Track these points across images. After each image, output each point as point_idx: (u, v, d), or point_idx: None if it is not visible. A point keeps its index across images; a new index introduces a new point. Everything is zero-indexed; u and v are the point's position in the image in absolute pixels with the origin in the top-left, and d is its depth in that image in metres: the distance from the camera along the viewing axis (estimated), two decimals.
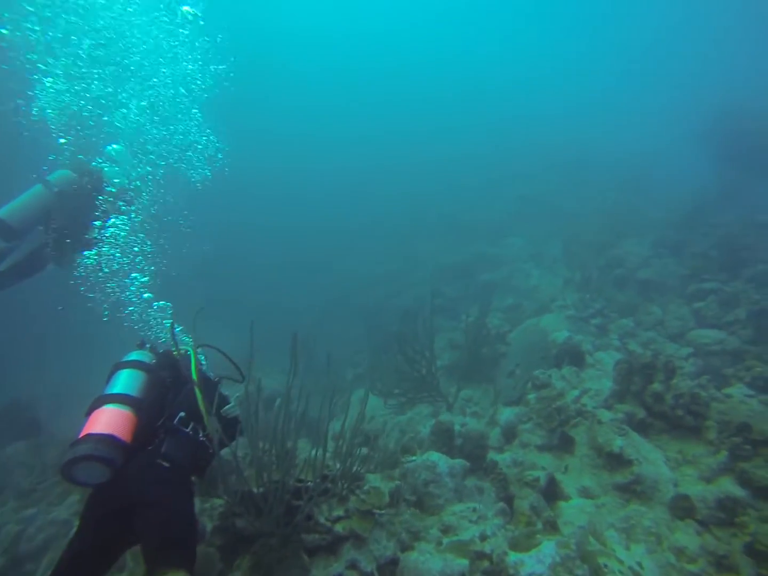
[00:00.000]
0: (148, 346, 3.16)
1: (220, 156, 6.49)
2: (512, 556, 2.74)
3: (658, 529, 3.31)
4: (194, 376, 2.79)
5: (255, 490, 2.99)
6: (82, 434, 2.24)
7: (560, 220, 14.76)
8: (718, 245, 9.34)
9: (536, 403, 4.96)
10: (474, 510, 3.52)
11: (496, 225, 15.57)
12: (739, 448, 3.76)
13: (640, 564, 3.07)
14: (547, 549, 2.70)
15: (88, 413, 2.38)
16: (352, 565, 2.98)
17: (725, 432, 3.96)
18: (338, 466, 3.37)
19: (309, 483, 3.08)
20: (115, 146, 5.45)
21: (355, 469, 3.39)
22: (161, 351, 3.20)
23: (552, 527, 3.32)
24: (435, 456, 3.94)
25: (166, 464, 2.37)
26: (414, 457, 4.08)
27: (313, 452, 3.17)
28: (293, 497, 3.10)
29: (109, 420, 2.32)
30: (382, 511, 3.22)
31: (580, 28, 39.85)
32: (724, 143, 13.99)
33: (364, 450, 5.30)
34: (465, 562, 2.93)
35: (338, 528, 3.07)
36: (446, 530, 3.41)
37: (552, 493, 4.10)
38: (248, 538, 3.34)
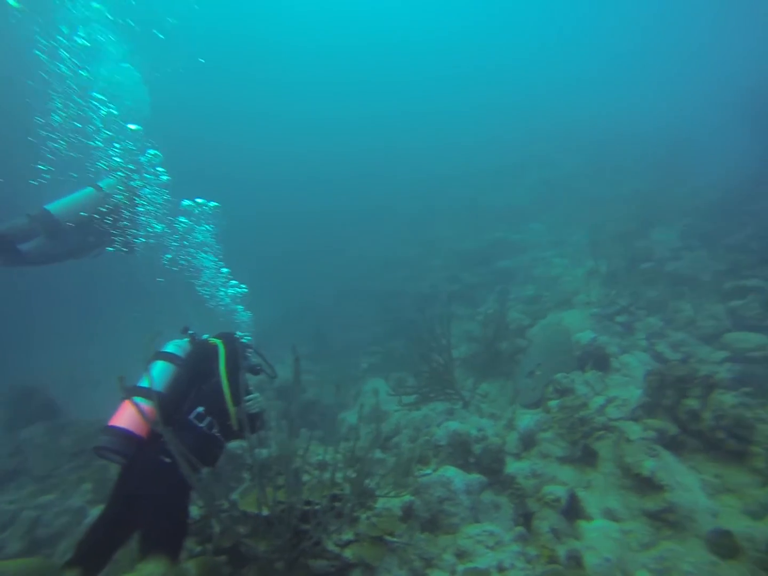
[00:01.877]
0: (190, 332, 3.33)
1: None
2: None
3: (700, 574, 3.03)
4: (222, 370, 2.97)
5: (260, 512, 2.82)
6: (109, 423, 2.64)
7: (584, 205, 14.16)
8: (759, 236, 8.74)
9: (558, 411, 4.70)
10: (491, 534, 3.32)
11: (516, 210, 15.06)
12: None
13: None
14: None
15: (123, 399, 2.70)
16: None
17: None
18: (350, 476, 3.17)
19: (318, 506, 2.90)
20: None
21: (366, 483, 3.20)
22: (201, 339, 3.35)
23: (577, 564, 3.10)
24: (451, 472, 3.73)
25: (167, 459, 2.46)
26: (428, 470, 3.89)
27: (325, 474, 2.97)
28: (301, 521, 2.93)
29: (130, 414, 2.63)
30: (394, 539, 3.03)
31: None
32: (764, 118, 12.98)
33: (377, 452, 5.19)
34: None
35: (347, 554, 2.90)
36: (461, 555, 3.23)
37: (573, 510, 3.88)
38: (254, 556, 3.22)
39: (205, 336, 3.44)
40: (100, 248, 5.29)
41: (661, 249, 9.52)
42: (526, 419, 4.99)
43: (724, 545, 3.15)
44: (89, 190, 5.00)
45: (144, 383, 2.81)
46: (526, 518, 3.87)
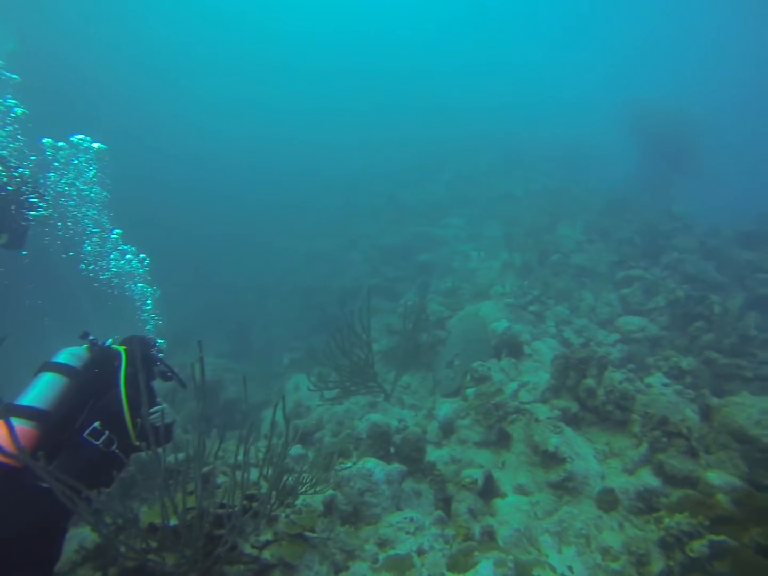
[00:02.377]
0: (90, 338, 3.02)
1: None
2: None
3: (588, 530, 3.38)
4: (122, 380, 2.70)
5: (166, 522, 2.62)
6: None
7: (499, 200, 14.97)
8: (641, 231, 9.85)
9: (475, 398, 4.92)
10: (411, 520, 3.39)
11: (435, 205, 15.51)
12: (657, 441, 3.93)
13: (570, 568, 3.11)
14: (485, 570, 2.62)
15: None
16: None
17: (647, 425, 4.11)
18: (267, 476, 3.05)
19: (233, 508, 2.76)
20: None
21: (285, 480, 3.11)
22: (102, 346, 3.03)
23: (490, 538, 3.27)
24: (371, 463, 3.75)
25: (44, 485, 2.12)
26: (349, 464, 3.88)
27: (237, 474, 2.83)
28: (214, 526, 2.78)
29: (3, 439, 2.17)
30: (315, 535, 2.98)
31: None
32: (651, 139, 14.74)
33: (299, 448, 5.09)
34: None
35: (266, 555, 2.80)
36: (383, 544, 3.26)
37: (489, 490, 4.09)
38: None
39: (108, 341, 3.14)
40: None
41: (567, 242, 10.35)
42: (445, 408, 5.17)
43: (606, 501, 3.59)
44: None
45: (23, 401, 2.48)
46: (446, 502, 4.01)
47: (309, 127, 33.36)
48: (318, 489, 3.47)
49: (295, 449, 4.93)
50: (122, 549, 2.45)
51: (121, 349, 3.01)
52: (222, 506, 2.83)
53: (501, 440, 4.60)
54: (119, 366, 2.85)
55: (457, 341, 6.45)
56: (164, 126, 33.80)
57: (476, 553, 2.80)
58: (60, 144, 5.44)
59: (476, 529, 3.39)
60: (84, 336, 3.03)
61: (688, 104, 14.70)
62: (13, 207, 4.89)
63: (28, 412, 2.42)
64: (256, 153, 30.49)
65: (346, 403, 6.15)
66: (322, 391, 6.05)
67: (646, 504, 3.59)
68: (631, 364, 5.96)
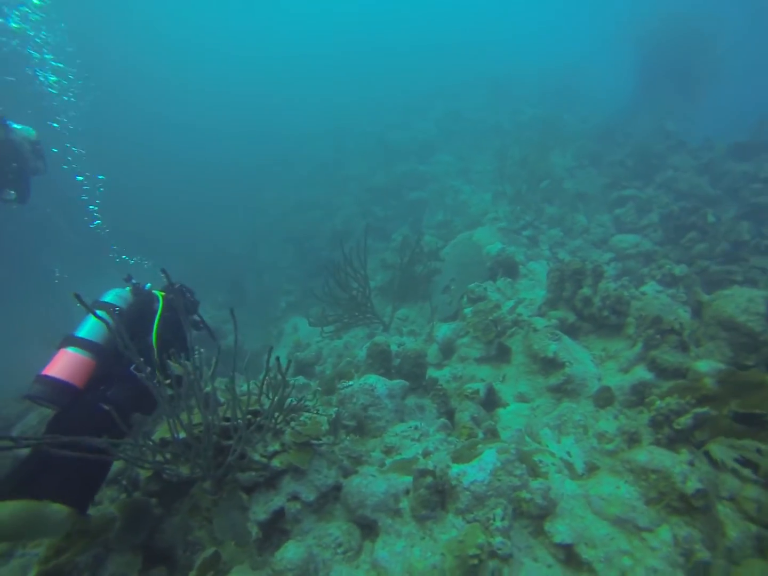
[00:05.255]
0: (133, 281, 3.31)
1: None
2: (455, 468, 2.71)
3: (586, 420, 3.48)
4: (156, 323, 2.95)
5: (177, 435, 2.66)
6: (43, 372, 2.64)
7: (488, 134, 14.57)
8: (633, 153, 9.64)
9: (473, 316, 4.94)
10: (416, 428, 3.47)
11: (423, 143, 15.09)
12: (651, 339, 3.99)
13: (569, 453, 3.23)
14: (488, 456, 2.69)
15: (58, 347, 2.73)
16: (294, 497, 2.84)
17: (642, 326, 4.16)
18: (270, 398, 3.10)
19: (238, 420, 2.80)
20: None
21: (289, 400, 3.16)
22: (144, 290, 3.32)
23: (493, 435, 3.37)
24: (372, 378, 3.79)
25: (105, 407, 2.39)
26: (351, 382, 3.92)
27: (244, 386, 2.88)
28: (222, 437, 2.83)
29: (67, 364, 2.67)
30: (321, 441, 3.05)
31: None
32: (649, 54, 14.00)
33: (301, 378, 5.16)
34: (409, 479, 2.88)
35: (275, 463, 2.86)
36: (389, 451, 3.36)
37: (491, 402, 4.19)
38: (182, 483, 3.10)
39: (147, 286, 3.40)
40: None
41: (558, 170, 10.15)
42: (444, 329, 5.21)
43: (603, 398, 3.68)
44: None
45: (80, 333, 2.81)
46: (449, 415, 4.11)
47: (293, 74, 31.85)
48: (321, 407, 3.54)
49: (298, 379, 5.01)
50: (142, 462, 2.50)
51: (160, 294, 3.26)
52: (227, 420, 2.87)
53: (501, 354, 4.66)
54: (156, 309, 3.10)
55: (452, 267, 6.42)
56: (142, 84, 32.29)
57: (480, 445, 2.87)
58: None
59: (480, 432, 3.49)
60: (127, 279, 3.33)
61: (697, 10, 13.57)
62: (14, 164, 5.07)
63: (85, 344, 2.76)
64: (239, 107, 29.27)
65: (345, 336, 6.20)
66: (322, 327, 6.07)
67: (639, 396, 3.69)
68: (626, 277, 5.99)
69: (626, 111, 13.06)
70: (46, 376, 2.62)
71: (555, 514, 2.50)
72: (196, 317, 3.76)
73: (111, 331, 2.59)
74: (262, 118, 26.38)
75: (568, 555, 2.38)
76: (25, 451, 2.48)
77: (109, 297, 3.10)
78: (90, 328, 2.84)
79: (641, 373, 3.75)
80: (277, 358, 2.57)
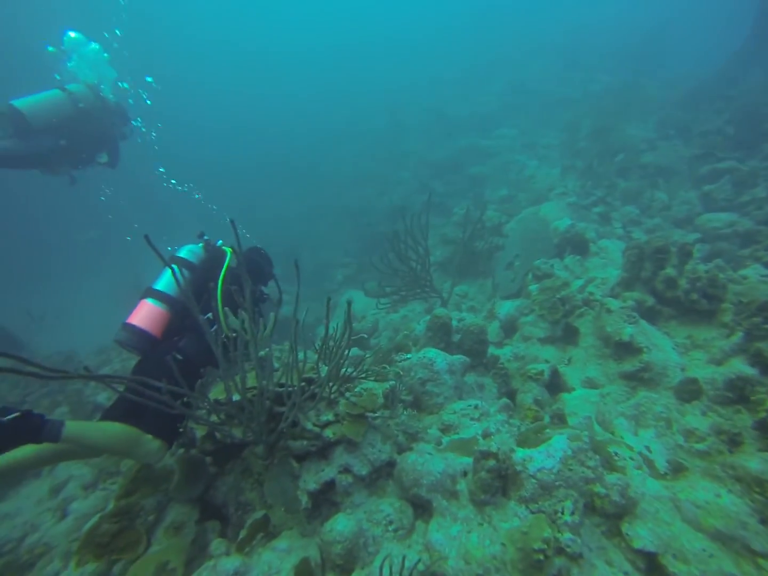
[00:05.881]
0: (206, 238, 3.39)
1: None
2: (520, 453, 2.49)
3: (669, 413, 3.10)
4: (221, 278, 2.96)
5: (232, 398, 2.63)
6: (128, 320, 2.83)
7: (555, 107, 13.63)
8: (735, 120, 8.50)
9: (538, 294, 4.59)
10: (476, 407, 3.26)
11: (484, 116, 14.38)
12: (757, 328, 3.48)
13: (648, 448, 2.89)
14: (558, 443, 2.44)
15: (140, 297, 2.92)
16: (346, 470, 2.74)
17: (744, 313, 3.64)
18: (325, 368, 3.00)
19: (292, 387, 2.73)
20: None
21: (344, 370, 3.04)
22: (215, 246, 3.39)
23: (560, 420, 3.09)
24: (432, 352, 3.60)
25: (179, 357, 2.72)
26: (409, 355, 3.76)
27: (300, 354, 2.78)
28: (275, 403, 2.77)
29: (146, 314, 2.84)
30: (376, 414, 2.92)
31: None
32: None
33: (356, 350, 5.07)
34: (468, 460, 2.70)
35: (328, 433, 2.77)
36: (446, 429, 3.18)
37: (555, 385, 3.89)
38: (235, 445, 3.12)
39: (219, 242, 3.47)
40: (74, 160, 5.34)
41: (636, 141, 9.23)
42: (506, 306, 4.91)
43: (688, 390, 3.25)
44: (56, 91, 4.94)
45: (157, 286, 2.96)
46: (510, 396, 3.86)
47: (350, 54, 31.57)
48: (378, 377, 3.40)
49: (353, 351, 4.91)
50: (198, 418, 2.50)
51: (228, 250, 3.32)
52: (281, 385, 2.81)
53: (567, 336, 4.31)
54: (223, 264, 3.15)
55: (517, 243, 6.03)
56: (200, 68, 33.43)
57: (548, 430, 2.62)
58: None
59: (545, 416, 3.22)
60: (200, 236, 3.41)
61: None
62: (107, 129, 5.49)
63: (162, 296, 2.91)
64: (299, 85, 29.51)
65: (402, 310, 6.04)
66: (378, 299, 5.93)
67: (738, 393, 3.23)
68: (717, 259, 5.32)
69: (729, 72, 11.50)
70: (130, 324, 2.80)
71: (634, 515, 2.22)
72: (262, 287, 3.74)
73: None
74: (321, 93, 26.38)
75: (650, 565, 2.09)
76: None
77: (183, 252, 3.19)
78: (166, 281, 2.97)
79: (740, 366, 3.27)
80: (348, 303, 2.43)
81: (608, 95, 12.49)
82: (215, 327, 2.69)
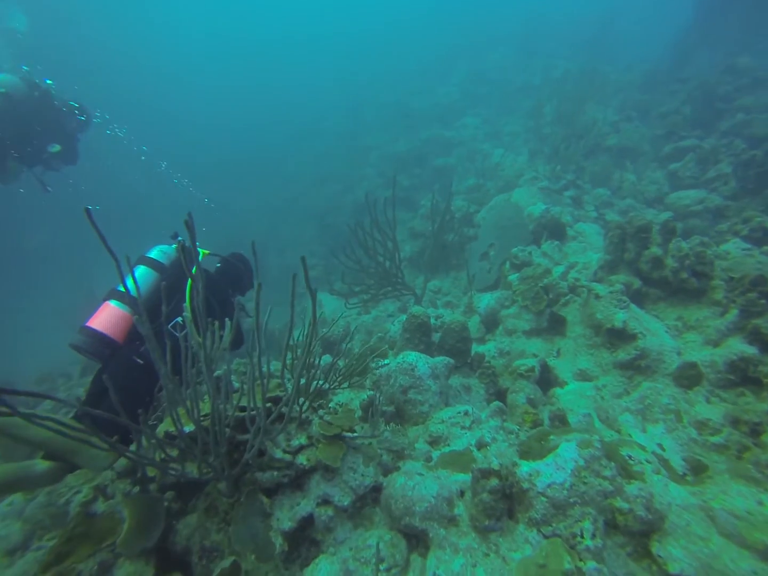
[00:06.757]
0: (180, 239, 3.12)
1: None
2: (524, 466, 2.16)
3: (677, 404, 2.85)
4: (189, 284, 2.78)
5: (179, 428, 2.18)
6: (87, 322, 2.64)
7: (516, 94, 13.55)
8: (691, 99, 8.58)
9: (520, 283, 4.30)
10: (465, 413, 2.92)
11: (446, 107, 14.16)
12: (753, 304, 3.29)
13: (660, 446, 2.62)
14: (567, 451, 2.13)
15: (103, 299, 2.75)
16: (325, 501, 2.35)
17: (737, 289, 3.46)
18: (292, 383, 2.59)
19: (254, 410, 2.30)
20: None
21: (315, 384, 2.64)
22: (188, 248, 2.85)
23: (561, 422, 2.79)
24: (412, 356, 3.24)
25: (140, 361, 2.57)
26: (386, 361, 3.39)
27: (264, 368, 2.36)
28: (237, 431, 2.35)
29: (108, 317, 2.66)
30: (355, 434, 2.53)
31: None
32: None
33: (327, 357, 4.66)
34: (463, 477, 2.35)
35: (301, 460, 2.37)
36: (435, 441, 2.82)
37: (545, 380, 3.61)
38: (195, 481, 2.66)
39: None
40: (20, 155, 4.96)
41: (600, 125, 9.18)
42: (486, 299, 4.61)
43: (687, 376, 3.05)
44: None
45: (122, 287, 2.50)
46: (499, 396, 3.56)
47: (306, 52, 30.99)
48: (353, 381, 3.03)
49: (324, 358, 4.51)
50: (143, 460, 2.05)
51: (203, 252, 3.15)
52: (242, 409, 2.38)
53: (554, 326, 4.04)
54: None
55: (490, 232, 5.74)
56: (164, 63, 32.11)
57: (552, 437, 2.30)
58: None
59: (544, 418, 2.92)
60: (174, 236, 3.22)
61: None
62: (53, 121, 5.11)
63: (125, 297, 2.72)
64: (257, 84, 28.74)
65: (374, 311, 5.66)
66: (347, 299, 5.53)
67: (740, 375, 3.03)
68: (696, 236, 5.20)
69: (678, 55, 11.70)
70: (88, 328, 2.63)
71: (664, 532, 1.91)
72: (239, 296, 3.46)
73: (150, 287, 2.78)
74: (279, 97, 25.79)
75: None
76: None
77: (154, 253, 3.04)
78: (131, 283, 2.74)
79: (739, 346, 3.06)
80: (312, 293, 2.02)
81: (568, 81, 12.49)
82: (184, 332, 2.28)
